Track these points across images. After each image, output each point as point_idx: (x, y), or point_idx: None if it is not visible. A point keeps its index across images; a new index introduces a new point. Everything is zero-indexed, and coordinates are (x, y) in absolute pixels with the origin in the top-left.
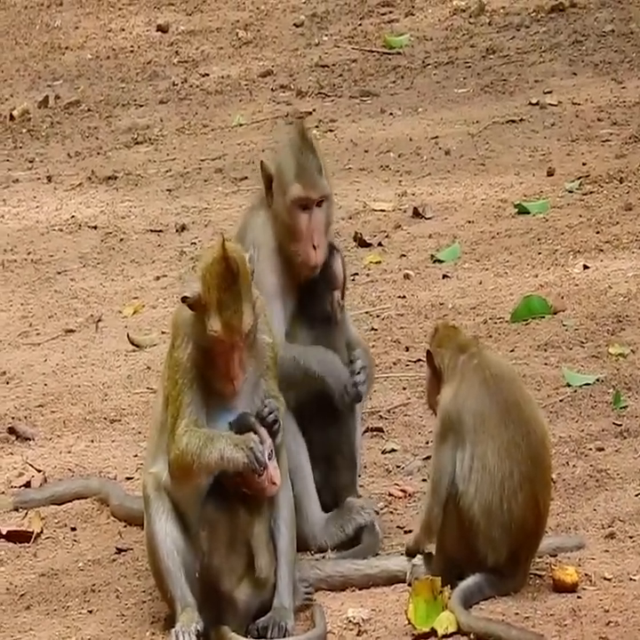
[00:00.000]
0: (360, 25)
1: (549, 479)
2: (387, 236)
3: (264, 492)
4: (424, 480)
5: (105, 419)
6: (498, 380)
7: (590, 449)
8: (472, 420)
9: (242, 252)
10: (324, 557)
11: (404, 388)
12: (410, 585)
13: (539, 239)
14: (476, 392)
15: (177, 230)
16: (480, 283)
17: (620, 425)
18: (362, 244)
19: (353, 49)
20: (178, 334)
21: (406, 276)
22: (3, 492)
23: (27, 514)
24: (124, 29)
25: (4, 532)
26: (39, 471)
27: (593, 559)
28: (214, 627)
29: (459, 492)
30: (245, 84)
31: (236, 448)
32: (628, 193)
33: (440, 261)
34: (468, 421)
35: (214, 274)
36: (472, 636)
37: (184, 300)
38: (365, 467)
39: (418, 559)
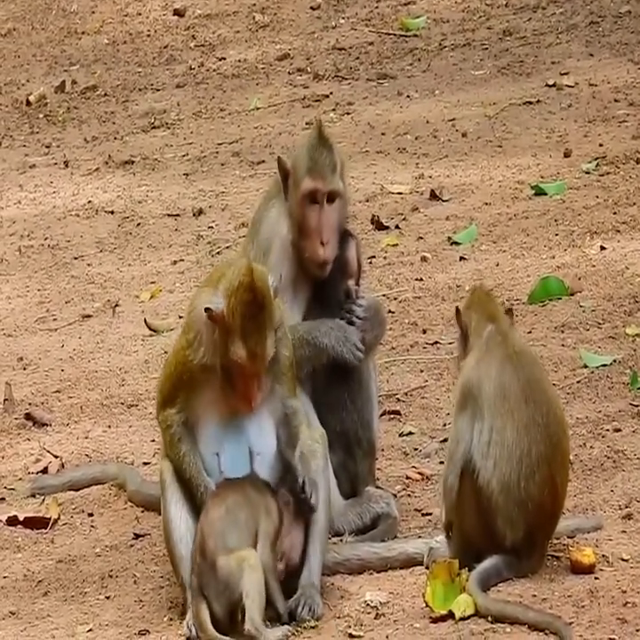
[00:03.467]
0: (377, 7)
1: (567, 462)
2: (404, 219)
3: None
4: (441, 462)
5: (122, 404)
6: (521, 357)
7: (607, 430)
8: (493, 391)
9: (267, 277)
10: (341, 541)
11: (422, 371)
12: (427, 568)
13: (556, 220)
14: (499, 365)
15: (194, 214)
16: (497, 264)
17: (637, 406)
18: (379, 226)
19: (370, 31)
20: (192, 329)
21: (423, 259)
22: (20, 479)
23: (44, 500)
24: (140, 14)
25: (21, 519)
26: (56, 457)
27: (610, 540)
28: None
29: (477, 467)
30: (262, 68)
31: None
32: None
33: (457, 243)
34: (489, 392)
35: (240, 301)
36: (490, 619)
37: (207, 310)
38: (383, 450)
39: (435, 542)
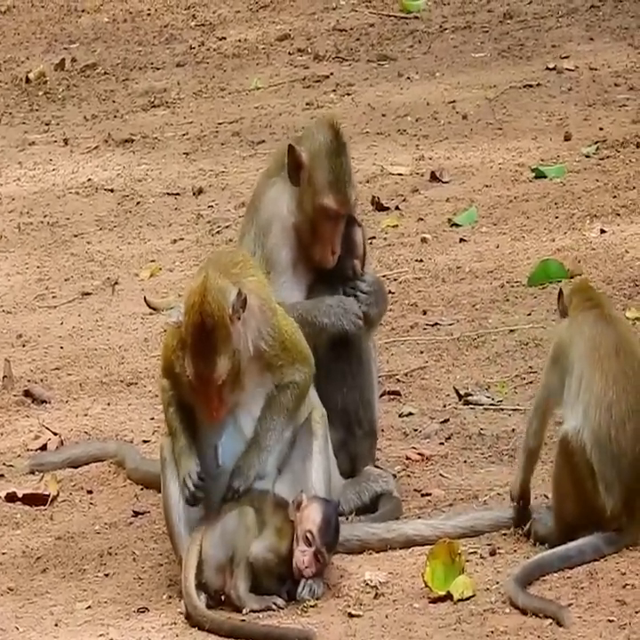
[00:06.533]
0: None
1: None
2: (404, 200)
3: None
4: (441, 443)
5: (121, 382)
6: (615, 319)
7: None
8: (584, 344)
9: (224, 295)
10: (347, 520)
11: (422, 352)
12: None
13: (556, 203)
14: (592, 322)
15: (194, 193)
16: (497, 247)
17: None
18: (379, 207)
19: (370, 13)
20: (173, 341)
21: (423, 240)
22: (19, 455)
23: (43, 477)
24: None
25: (20, 495)
26: (55, 434)
27: None
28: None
29: (569, 427)
30: (263, 48)
31: (181, 474)
32: None
33: (457, 225)
34: (580, 345)
35: (191, 322)
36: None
37: (172, 320)
38: (383, 430)
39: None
